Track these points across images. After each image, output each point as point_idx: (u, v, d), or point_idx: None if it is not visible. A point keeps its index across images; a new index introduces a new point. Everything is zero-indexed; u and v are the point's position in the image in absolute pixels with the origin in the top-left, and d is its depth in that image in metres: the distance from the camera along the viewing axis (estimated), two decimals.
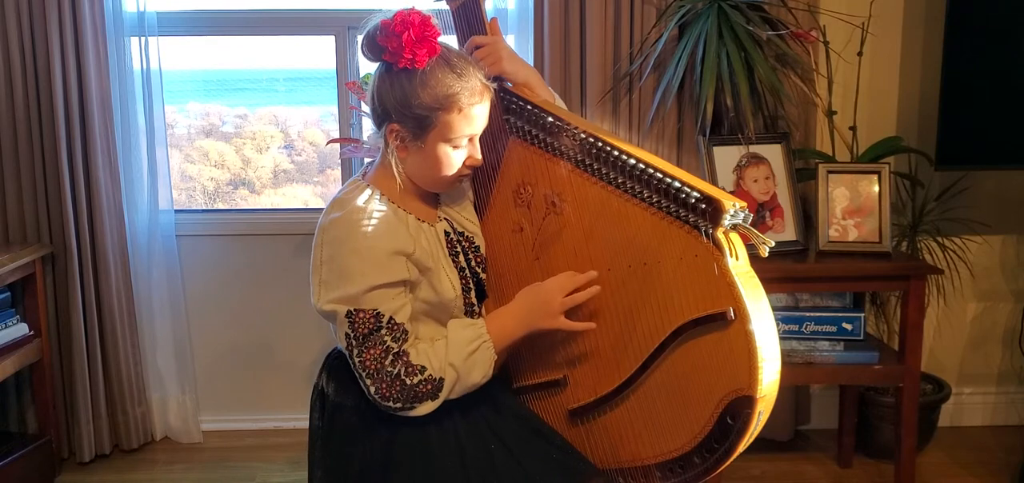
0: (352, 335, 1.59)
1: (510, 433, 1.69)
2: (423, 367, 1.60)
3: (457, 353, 1.63)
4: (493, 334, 1.67)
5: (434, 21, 1.60)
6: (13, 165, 2.94)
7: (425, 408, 1.61)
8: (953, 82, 2.77)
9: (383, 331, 1.59)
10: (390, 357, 1.59)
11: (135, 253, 3.09)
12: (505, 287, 1.77)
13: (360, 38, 1.67)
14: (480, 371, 1.65)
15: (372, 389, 1.60)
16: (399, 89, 1.60)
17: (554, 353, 1.73)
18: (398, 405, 1.60)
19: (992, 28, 2.77)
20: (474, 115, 1.63)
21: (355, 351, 1.59)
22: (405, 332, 1.62)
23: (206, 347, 3.30)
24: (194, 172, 3.89)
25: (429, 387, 1.60)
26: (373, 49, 1.62)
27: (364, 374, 1.60)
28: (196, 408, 3.27)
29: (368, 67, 2.48)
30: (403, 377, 1.59)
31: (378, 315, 1.59)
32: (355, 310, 1.58)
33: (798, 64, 2.80)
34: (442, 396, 1.62)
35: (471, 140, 1.66)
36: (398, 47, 1.57)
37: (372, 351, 1.58)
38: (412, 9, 1.58)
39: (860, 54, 2.87)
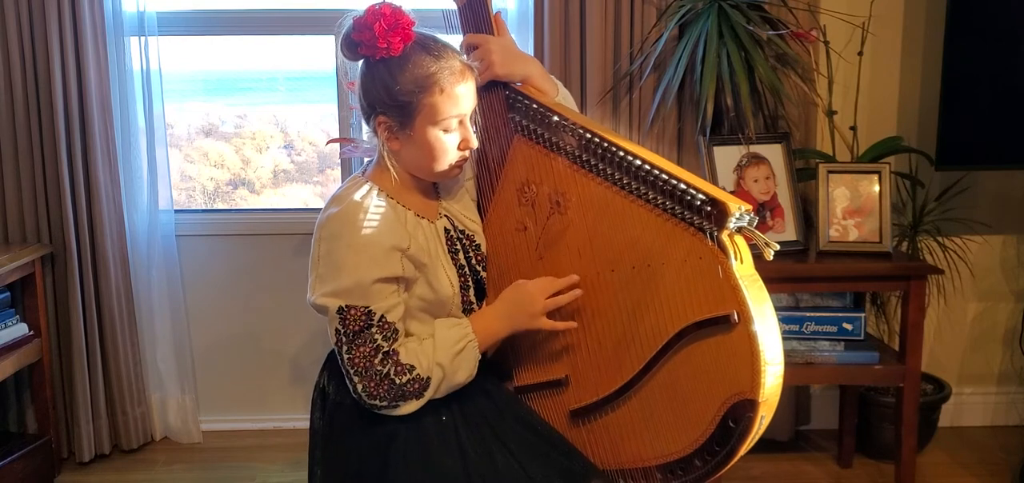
0: (342, 332, 1.59)
1: (511, 433, 1.69)
2: (412, 366, 1.61)
3: (444, 353, 1.64)
4: (478, 333, 1.68)
5: (407, 11, 1.59)
6: (13, 165, 2.93)
7: (409, 407, 1.62)
8: (953, 82, 2.77)
9: (374, 329, 1.59)
10: (380, 356, 1.59)
11: (135, 253, 3.08)
12: (507, 285, 1.76)
13: (338, 42, 1.67)
14: (465, 371, 1.66)
15: (359, 386, 1.60)
16: (379, 79, 1.61)
17: (556, 353, 1.73)
18: (384, 404, 1.61)
19: (992, 28, 2.77)
20: (457, 95, 1.62)
21: (344, 348, 1.59)
22: (396, 331, 1.62)
23: (206, 347, 3.29)
24: (194, 172, 3.89)
25: (416, 386, 1.61)
26: (350, 46, 1.63)
27: (352, 371, 1.60)
28: (196, 408, 3.27)
29: None
30: (392, 376, 1.59)
31: (369, 313, 1.58)
32: (347, 306, 1.57)
33: (798, 64, 2.80)
34: (427, 395, 1.63)
35: (461, 123, 1.65)
36: (371, 38, 1.57)
37: (362, 349, 1.59)
38: (383, 2, 1.58)
39: (860, 54, 2.87)
